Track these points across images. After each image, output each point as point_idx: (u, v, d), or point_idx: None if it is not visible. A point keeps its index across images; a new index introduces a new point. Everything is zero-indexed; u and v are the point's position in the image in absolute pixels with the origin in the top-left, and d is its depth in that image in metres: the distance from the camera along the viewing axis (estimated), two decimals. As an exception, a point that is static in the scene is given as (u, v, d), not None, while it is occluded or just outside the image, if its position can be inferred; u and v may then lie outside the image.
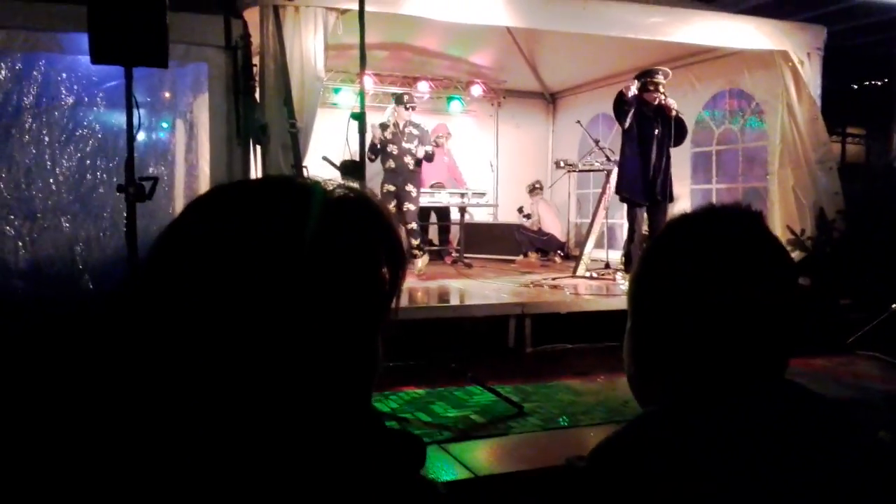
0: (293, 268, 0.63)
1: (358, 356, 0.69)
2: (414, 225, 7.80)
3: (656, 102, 6.70)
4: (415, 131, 7.81)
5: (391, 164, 7.69)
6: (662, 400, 0.96)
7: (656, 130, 6.69)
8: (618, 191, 7.03)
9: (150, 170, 5.49)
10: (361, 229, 0.69)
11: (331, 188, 0.70)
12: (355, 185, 0.73)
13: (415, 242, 7.81)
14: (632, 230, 6.85)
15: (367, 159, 7.65)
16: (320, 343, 0.65)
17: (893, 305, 5.54)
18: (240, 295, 0.62)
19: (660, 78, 6.74)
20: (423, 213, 8.75)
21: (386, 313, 0.72)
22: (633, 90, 6.73)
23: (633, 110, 6.73)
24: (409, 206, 7.75)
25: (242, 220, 0.65)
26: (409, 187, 7.73)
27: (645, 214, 6.83)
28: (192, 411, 0.62)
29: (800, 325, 0.95)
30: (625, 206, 7.18)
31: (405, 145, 7.71)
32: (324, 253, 0.65)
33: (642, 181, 6.68)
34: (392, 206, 7.60)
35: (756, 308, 0.92)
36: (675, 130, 6.69)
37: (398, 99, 7.89)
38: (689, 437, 0.88)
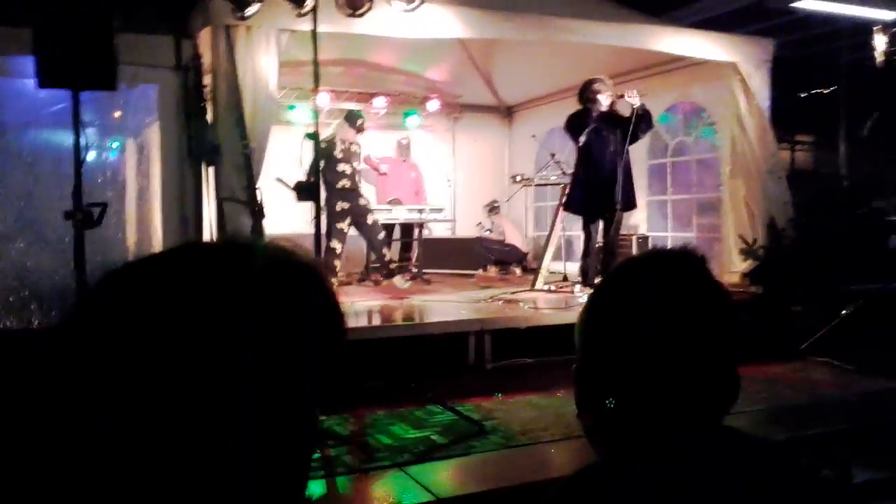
0: (209, 349, 0.58)
1: (284, 443, 0.61)
2: (382, 235, 7.78)
3: (606, 108, 6.64)
4: (358, 149, 7.86)
5: (345, 182, 7.57)
6: (606, 449, 0.97)
7: (610, 139, 6.65)
8: (566, 207, 6.99)
9: (108, 193, 5.39)
10: (294, 304, 0.62)
11: (261, 255, 0.64)
12: (292, 249, 0.67)
13: (389, 255, 7.80)
14: (587, 243, 6.87)
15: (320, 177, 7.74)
16: (239, 429, 0.58)
17: (844, 311, 5.67)
18: (147, 376, 0.57)
19: (609, 83, 6.71)
20: (387, 229, 8.71)
21: (322, 390, 0.65)
22: (605, 104, 6.62)
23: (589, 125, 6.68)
24: (374, 218, 7.72)
25: (158, 298, 0.59)
26: (363, 201, 7.69)
27: (601, 225, 6.84)
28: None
29: (737, 373, 0.96)
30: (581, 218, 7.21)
31: (354, 163, 7.70)
32: (247, 331, 0.59)
33: (598, 194, 6.61)
34: (346, 224, 7.54)
35: (694, 357, 0.93)
36: (636, 126, 6.52)
37: (352, 122, 7.81)
38: (630, 491, 0.88)
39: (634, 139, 6.60)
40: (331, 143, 7.63)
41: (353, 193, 7.61)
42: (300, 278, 0.65)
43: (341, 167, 7.56)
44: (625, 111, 6.66)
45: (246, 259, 0.63)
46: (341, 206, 7.51)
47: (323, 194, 7.57)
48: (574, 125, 6.76)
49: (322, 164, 7.50)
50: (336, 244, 7.48)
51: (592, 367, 0.99)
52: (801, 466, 0.94)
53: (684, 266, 0.99)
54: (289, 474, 0.62)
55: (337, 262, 7.48)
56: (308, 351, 0.62)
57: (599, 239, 6.85)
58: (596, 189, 6.61)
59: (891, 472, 3.62)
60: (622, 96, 6.55)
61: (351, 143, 7.71)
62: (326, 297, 0.66)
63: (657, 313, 0.94)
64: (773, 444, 0.96)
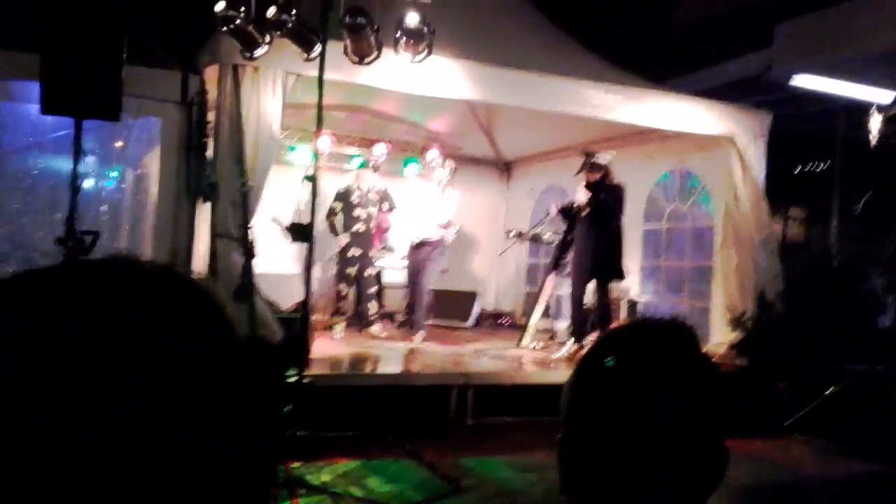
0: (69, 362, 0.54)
1: (159, 463, 0.55)
2: (375, 289, 7.94)
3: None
4: (375, 197, 8.04)
5: (360, 227, 7.77)
6: None
7: (584, 214, 6.89)
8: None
9: (105, 217, 5.39)
10: (167, 316, 0.58)
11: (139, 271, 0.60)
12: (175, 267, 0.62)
13: (374, 308, 7.86)
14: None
15: (326, 221, 7.86)
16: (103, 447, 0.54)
17: (829, 390, 5.65)
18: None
19: (585, 165, 6.95)
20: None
21: (210, 413, 0.58)
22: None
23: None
24: (371, 272, 7.90)
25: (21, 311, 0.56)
26: (372, 252, 7.94)
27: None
28: None
29: (725, 451, 0.95)
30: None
31: (370, 209, 7.90)
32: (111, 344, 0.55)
33: (576, 259, 6.94)
34: (355, 269, 7.69)
35: (681, 432, 0.92)
36: (601, 211, 6.80)
37: (361, 164, 8.14)
38: None
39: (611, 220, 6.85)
40: (349, 189, 7.89)
41: (364, 239, 7.80)
42: (176, 293, 0.60)
43: (357, 212, 7.77)
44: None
45: (121, 274, 0.60)
46: (354, 251, 7.68)
47: (342, 238, 7.77)
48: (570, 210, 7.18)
49: (339, 207, 7.76)
50: (343, 287, 7.70)
51: (576, 436, 0.98)
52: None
53: (671, 337, 0.98)
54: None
55: (342, 304, 7.70)
56: (184, 364, 0.57)
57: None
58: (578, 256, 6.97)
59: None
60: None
61: (369, 191, 7.93)
62: (208, 315, 0.61)
63: (644, 386, 0.93)
64: None
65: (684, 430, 0.92)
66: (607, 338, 1.04)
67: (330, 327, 7.94)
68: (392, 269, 9.26)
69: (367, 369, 6.11)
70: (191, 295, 0.61)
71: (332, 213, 7.88)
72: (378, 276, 8.78)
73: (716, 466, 0.95)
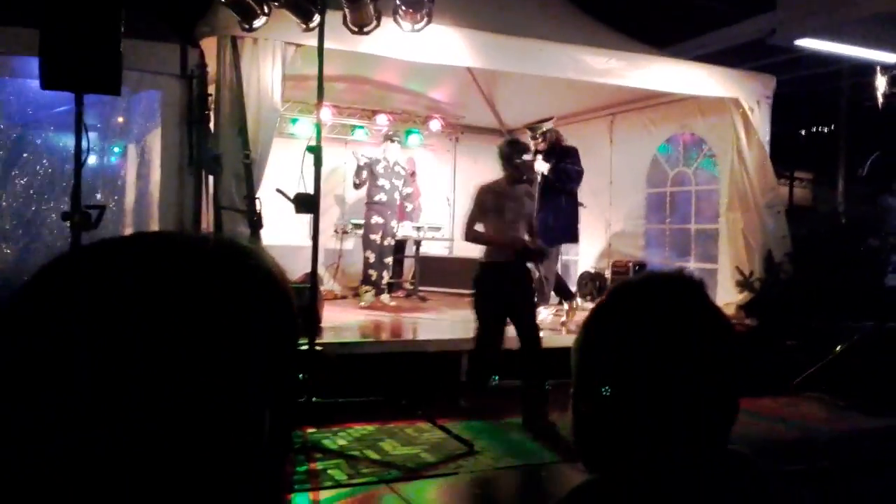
0: (144, 339, 0.53)
1: (228, 443, 0.56)
2: (390, 259, 8.05)
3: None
4: (401, 171, 8.27)
5: (382, 196, 7.98)
6: (604, 468, 0.95)
7: (539, 178, 6.81)
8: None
9: (98, 196, 5.37)
10: (238, 298, 0.58)
11: (206, 247, 0.59)
12: (245, 243, 0.62)
13: (386, 277, 7.99)
14: None
15: (353, 186, 8.00)
16: (174, 425, 0.53)
17: (838, 347, 5.65)
18: (81, 366, 0.53)
19: (536, 134, 6.97)
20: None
21: (272, 392, 0.59)
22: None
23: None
24: (390, 241, 8.07)
25: (99, 286, 0.55)
26: (394, 223, 8.12)
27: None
28: None
29: (737, 396, 0.95)
30: (580, 242, 7.37)
31: (395, 181, 8.09)
32: (182, 323, 0.54)
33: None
34: (379, 236, 7.88)
35: (694, 380, 0.91)
36: (556, 181, 6.78)
37: (387, 136, 8.42)
38: None
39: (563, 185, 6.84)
40: (376, 159, 8.12)
41: (388, 209, 8.00)
42: (246, 272, 0.60)
43: (381, 182, 7.99)
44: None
45: (193, 251, 0.59)
46: (376, 219, 7.90)
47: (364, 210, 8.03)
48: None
49: (366, 177, 7.98)
50: (370, 254, 7.88)
51: (589, 392, 0.97)
52: (797, 496, 0.93)
53: (681, 289, 0.97)
54: (240, 477, 0.57)
55: (372, 272, 7.85)
56: (252, 347, 0.58)
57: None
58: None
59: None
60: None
61: (394, 164, 8.15)
62: (276, 296, 0.61)
63: (655, 336, 0.92)
64: (772, 471, 0.94)
65: (696, 383, 0.91)
66: (618, 290, 1.02)
67: (356, 295, 8.06)
68: (433, 241, 9.44)
69: (380, 336, 6.14)
70: (257, 270, 0.60)
71: (359, 178, 8.07)
72: (396, 246, 8.82)
73: (728, 415, 0.94)
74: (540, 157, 6.83)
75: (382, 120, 9.55)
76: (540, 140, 6.98)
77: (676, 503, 0.87)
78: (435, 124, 10.05)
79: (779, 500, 0.92)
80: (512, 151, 5.13)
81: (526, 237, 5.09)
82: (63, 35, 4.00)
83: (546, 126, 7.05)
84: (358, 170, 8.07)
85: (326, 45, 4.49)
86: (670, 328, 0.93)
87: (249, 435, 0.57)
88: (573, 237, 7.16)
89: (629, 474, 0.91)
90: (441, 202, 10.42)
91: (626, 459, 0.93)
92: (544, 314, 6.79)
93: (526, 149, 5.37)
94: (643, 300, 0.97)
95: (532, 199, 5.51)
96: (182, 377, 0.54)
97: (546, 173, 6.79)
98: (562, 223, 6.89)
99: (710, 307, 0.97)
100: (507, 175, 5.10)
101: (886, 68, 6.19)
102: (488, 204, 4.95)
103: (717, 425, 0.94)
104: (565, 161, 6.83)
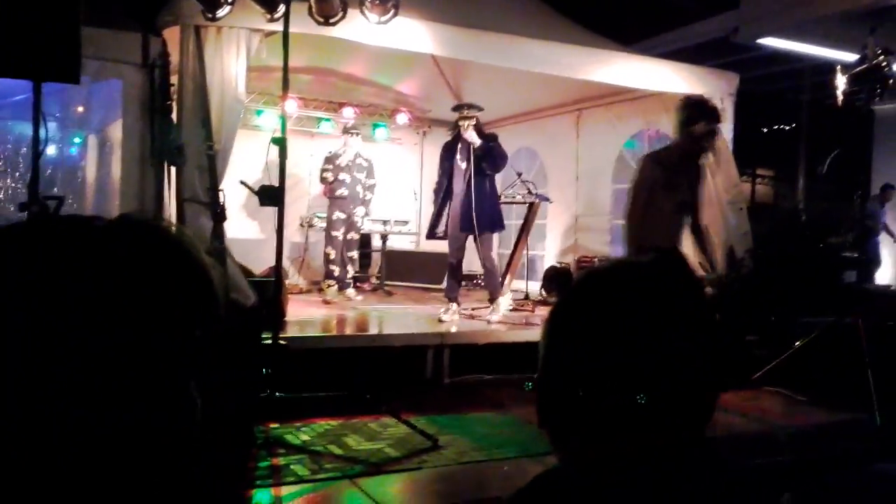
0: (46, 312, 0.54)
1: (155, 415, 0.56)
2: (355, 254, 7.92)
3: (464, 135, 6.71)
4: (364, 163, 8.17)
5: (343, 191, 7.92)
6: (569, 456, 0.93)
7: (463, 163, 6.72)
8: (430, 235, 6.94)
9: (56, 190, 5.26)
10: (153, 270, 0.58)
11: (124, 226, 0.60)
12: (161, 221, 0.64)
13: (351, 271, 7.94)
14: (448, 260, 6.87)
15: (321, 179, 7.86)
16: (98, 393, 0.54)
17: (797, 343, 5.74)
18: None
19: (465, 112, 6.79)
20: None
21: (196, 362, 0.60)
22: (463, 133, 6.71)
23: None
24: (354, 236, 8.02)
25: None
26: (357, 218, 8.01)
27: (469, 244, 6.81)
28: None
29: (713, 388, 0.93)
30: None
31: (356, 174, 8.01)
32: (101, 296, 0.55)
33: (457, 214, 6.65)
34: (341, 232, 7.82)
35: (664, 365, 0.89)
36: (484, 160, 6.64)
37: (346, 129, 8.30)
38: (588, 495, 0.86)
39: (480, 170, 6.67)
40: (336, 153, 8.05)
41: (350, 204, 7.93)
42: (150, 243, 0.61)
43: (342, 176, 7.92)
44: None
45: (89, 229, 0.60)
46: (337, 214, 7.87)
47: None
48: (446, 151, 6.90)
49: (329, 170, 7.95)
50: (330, 250, 7.84)
51: (555, 377, 0.96)
52: (761, 490, 0.92)
53: (658, 265, 0.95)
54: (173, 453, 0.58)
55: (334, 268, 7.80)
56: (171, 317, 0.58)
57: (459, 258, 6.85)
58: (458, 210, 6.67)
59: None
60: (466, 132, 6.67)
61: (355, 156, 8.07)
62: (185, 266, 0.61)
63: (630, 312, 0.90)
64: (735, 465, 0.93)
65: (666, 369, 0.89)
66: (584, 279, 1.00)
67: (320, 290, 8.01)
68: (400, 235, 9.42)
69: (344, 331, 6.10)
70: (167, 244, 0.61)
71: (323, 175, 8.08)
72: (363, 240, 8.78)
73: (703, 408, 0.92)
74: (470, 131, 6.67)
75: (349, 113, 9.48)
76: (471, 118, 6.78)
77: (638, 498, 0.86)
78: (402, 118, 10.01)
79: (740, 493, 0.92)
80: (691, 115, 4.15)
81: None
82: (20, 21, 3.90)
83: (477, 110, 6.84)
84: (322, 176, 8.08)
85: (292, 30, 4.42)
86: (642, 303, 0.91)
87: (172, 404, 0.57)
88: (502, 225, 7.00)
89: (592, 461, 0.90)
90: (408, 196, 10.39)
91: (589, 449, 0.91)
92: (504, 306, 6.78)
93: (712, 112, 4.47)
94: (612, 281, 0.95)
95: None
96: (83, 344, 0.53)
97: (477, 147, 6.61)
98: (494, 209, 6.76)
99: (689, 290, 0.94)
100: (681, 144, 4.12)
101: (846, 67, 6.27)
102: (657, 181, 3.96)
103: (693, 412, 0.92)
104: (490, 143, 6.69)
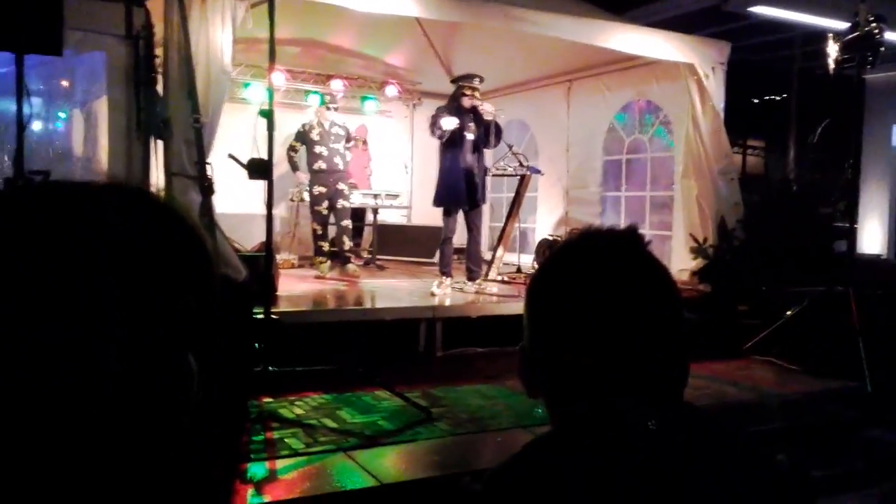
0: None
1: (146, 386, 0.55)
2: (349, 223, 7.75)
3: (469, 106, 6.72)
4: (340, 131, 7.86)
5: (321, 164, 7.65)
6: (555, 422, 0.93)
7: (471, 135, 6.73)
8: (437, 202, 6.90)
9: (43, 164, 5.17)
10: (147, 242, 0.57)
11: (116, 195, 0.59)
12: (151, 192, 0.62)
13: (348, 243, 7.75)
14: (445, 234, 6.87)
15: (288, 158, 7.75)
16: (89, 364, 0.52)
17: (788, 312, 5.76)
18: None
19: (475, 83, 6.79)
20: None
21: (191, 333, 0.58)
22: (466, 104, 6.73)
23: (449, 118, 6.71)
24: (344, 203, 7.76)
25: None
26: (342, 185, 7.75)
27: (459, 218, 6.86)
28: None
29: (686, 351, 0.93)
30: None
31: (333, 146, 7.71)
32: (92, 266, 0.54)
33: (465, 187, 6.66)
34: (324, 207, 7.63)
35: (638, 334, 0.89)
36: (494, 133, 6.75)
37: (321, 100, 8.01)
38: (583, 468, 0.85)
39: (484, 143, 6.77)
40: (309, 126, 7.74)
41: (329, 176, 7.65)
42: (142, 208, 0.60)
43: (318, 149, 7.65)
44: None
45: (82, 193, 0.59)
46: (318, 189, 7.63)
47: (300, 175, 7.75)
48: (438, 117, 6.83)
49: (300, 145, 7.71)
50: (317, 226, 7.68)
51: (535, 343, 0.95)
52: (756, 450, 0.93)
53: (622, 243, 0.95)
54: (171, 427, 0.57)
55: (322, 244, 7.68)
56: (164, 288, 0.57)
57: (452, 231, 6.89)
58: (463, 182, 6.69)
59: (828, 470, 3.70)
60: (481, 104, 6.73)
61: (329, 125, 7.78)
62: (186, 239, 0.61)
63: (597, 289, 0.91)
64: (730, 425, 0.93)
65: (640, 339, 0.90)
66: (559, 250, 1.01)
67: (311, 265, 7.93)
68: (391, 209, 9.33)
69: (337, 305, 6.09)
70: (159, 208, 0.60)
71: (292, 150, 7.78)
72: (356, 212, 8.68)
73: (677, 371, 0.93)
74: (481, 103, 6.72)
75: (337, 85, 9.38)
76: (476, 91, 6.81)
77: (629, 462, 0.85)
78: (391, 90, 9.92)
79: (734, 452, 0.93)
80: None
81: None
82: (0, -8, 3.82)
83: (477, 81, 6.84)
84: (290, 148, 7.84)
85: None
86: (608, 281, 0.91)
87: (169, 370, 0.56)
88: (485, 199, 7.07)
89: (579, 431, 0.90)
90: (399, 169, 10.33)
91: (574, 416, 0.92)
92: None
93: None
94: (582, 255, 0.96)
95: None
96: (77, 313, 0.52)
97: (492, 120, 6.68)
98: (484, 182, 6.86)
99: (649, 258, 0.95)
100: None
101: (838, 35, 6.24)
102: None
103: (668, 376, 0.92)
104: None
